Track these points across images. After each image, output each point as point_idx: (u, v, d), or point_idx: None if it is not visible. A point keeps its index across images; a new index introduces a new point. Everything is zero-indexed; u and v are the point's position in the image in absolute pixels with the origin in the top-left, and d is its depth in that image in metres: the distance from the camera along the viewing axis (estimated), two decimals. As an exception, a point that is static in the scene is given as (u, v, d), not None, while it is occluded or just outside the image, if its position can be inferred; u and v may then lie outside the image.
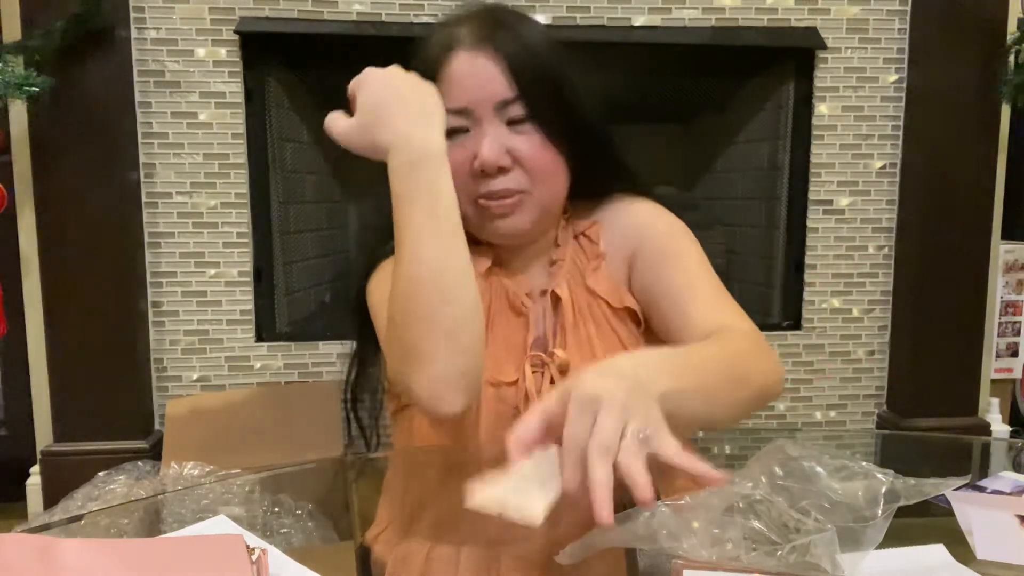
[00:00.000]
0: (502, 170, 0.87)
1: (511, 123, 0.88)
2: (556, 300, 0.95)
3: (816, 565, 0.59)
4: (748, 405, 0.81)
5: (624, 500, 0.56)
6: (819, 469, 0.67)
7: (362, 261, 1.00)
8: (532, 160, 0.88)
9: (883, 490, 0.65)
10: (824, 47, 2.05)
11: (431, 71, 0.87)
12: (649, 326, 0.97)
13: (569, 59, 0.92)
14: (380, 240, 0.96)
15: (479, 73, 0.87)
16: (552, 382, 0.90)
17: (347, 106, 0.87)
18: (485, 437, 0.89)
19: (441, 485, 0.93)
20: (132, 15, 1.87)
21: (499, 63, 0.86)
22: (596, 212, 0.99)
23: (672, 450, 0.57)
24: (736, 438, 1.27)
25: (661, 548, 0.59)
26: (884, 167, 2.12)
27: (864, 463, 0.69)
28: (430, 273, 0.78)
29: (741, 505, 0.63)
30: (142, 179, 1.92)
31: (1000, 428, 2.22)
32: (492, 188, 0.88)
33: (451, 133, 0.86)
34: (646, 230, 0.97)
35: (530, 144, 0.88)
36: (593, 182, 0.97)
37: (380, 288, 0.93)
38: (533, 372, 0.91)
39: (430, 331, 0.78)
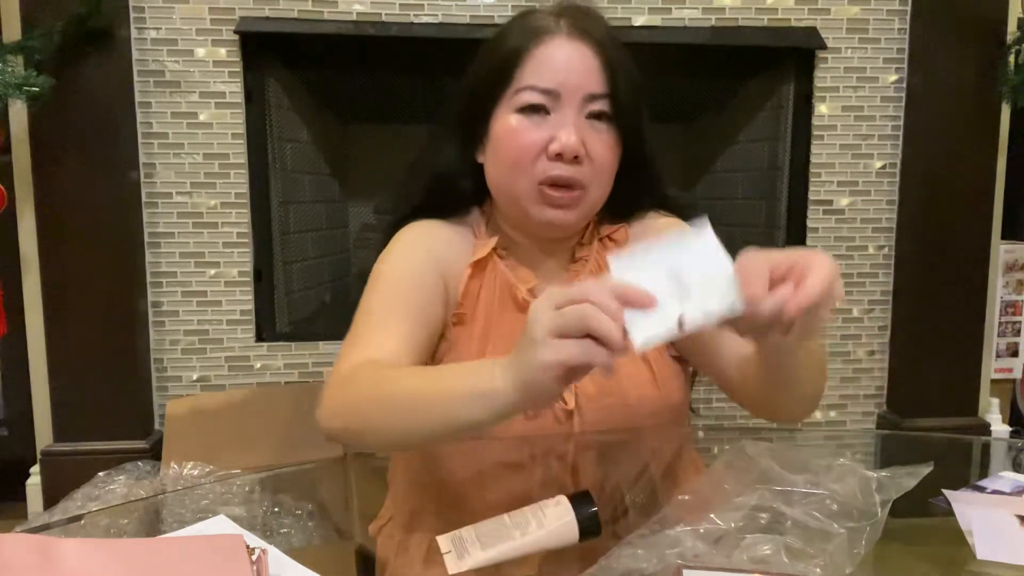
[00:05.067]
0: (576, 159, 0.87)
1: (590, 116, 0.88)
2: None
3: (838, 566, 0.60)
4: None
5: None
6: (795, 476, 0.68)
7: (378, 238, 1.00)
8: (601, 157, 0.88)
9: (874, 486, 0.66)
10: (824, 47, 2.05)
11: (519, 51, 0.88)
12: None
13: (641, 72, 0.93)
14: (398, 214, 0.97)
15: (576, 60, 0.87)
16: None
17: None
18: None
19: (443, 483, 0.93)
20: (132, 15, 1.87)
21: (596, 57, 0.87)
22: (622, 221, 1.00)
23: None
24: (736, 438, 1.27)
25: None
26: (884, 167, 2.12)
27: (844, 460, 0.69)
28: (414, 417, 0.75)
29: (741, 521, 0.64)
30: (142, 179, 1.92)
31: (1000, 428, 2.22)
32: (561, 174, 0.87)
33: (528, 110, 0.87)
34: None
35: (603, 142, 0.88)
36: (630, 196, 0.97)
37: (387, 258, 0.93)
38: None
39: (373, 428, 0.77)
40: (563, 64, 0.87)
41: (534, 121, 0.87)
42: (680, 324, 0.60)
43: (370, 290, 0.91)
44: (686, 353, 0.96)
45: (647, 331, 0.59)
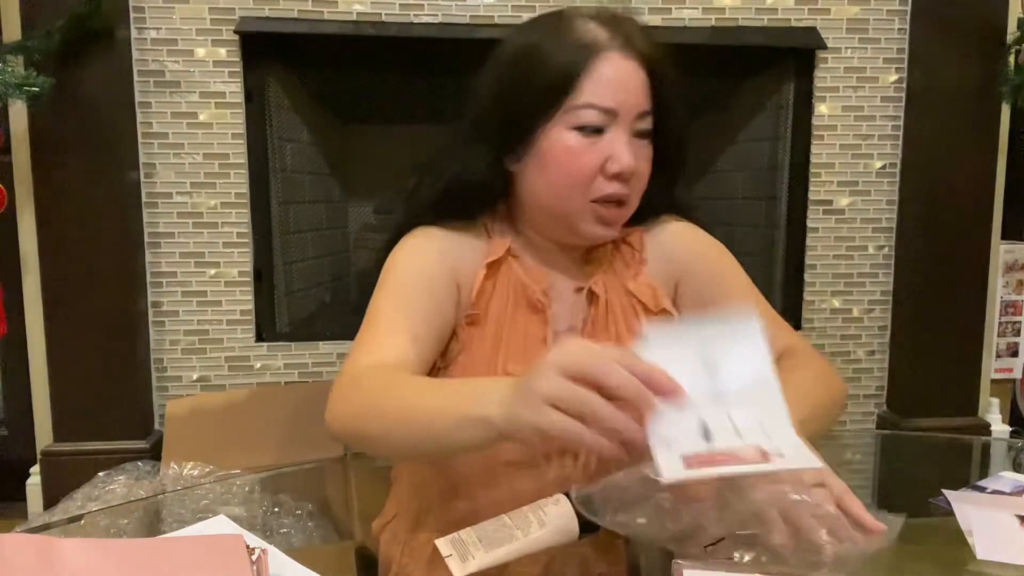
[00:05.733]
0: (630, 176, 0.89)
1: (636, 134, 0.89)
2: (591, 296, 0.95)
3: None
4: (837, 417, 0.93)
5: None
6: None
7: (380, 238, 1.00)
8: (645, 173, 0.91)
9: None
10: (824, 47, 2.05)
11: (576, 66, 0.87)
12: None
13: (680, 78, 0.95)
14: (418, 206, 0.97)
15: (632, 80, 0.88)
16: None
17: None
18: None
19: (451, 481, 0.93)
20: (132, 15, 1.87)
21: (646, 75, 0.89)
22: (637, 223, 1.00)
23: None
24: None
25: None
26: (884, 167, 2.12)
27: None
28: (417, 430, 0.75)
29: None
30: (142, 179, 1.92)
31: (1000, 428, 2.21)
32: (615, 192, 0.89)
33: (589, 130, 0.88)
34: (696, 252, 0.99)
35: (646, 158, 0.91)
36: (648, 202, 0.97)
37: (400, 258, 0.93)
38: None
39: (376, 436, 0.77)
40: (621, 83, 0.88)
41: (591, 139, 0.88)
42: (706, 434, 0.57)
43: (380, 289, 0.91)
44: None
45: (668, 444, 0.56)
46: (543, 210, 0.93)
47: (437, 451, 0.73)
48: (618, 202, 0.89)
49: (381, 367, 0.81)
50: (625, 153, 0.87)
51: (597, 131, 0.88)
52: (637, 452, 0.59)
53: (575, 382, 0.59)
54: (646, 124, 0.90)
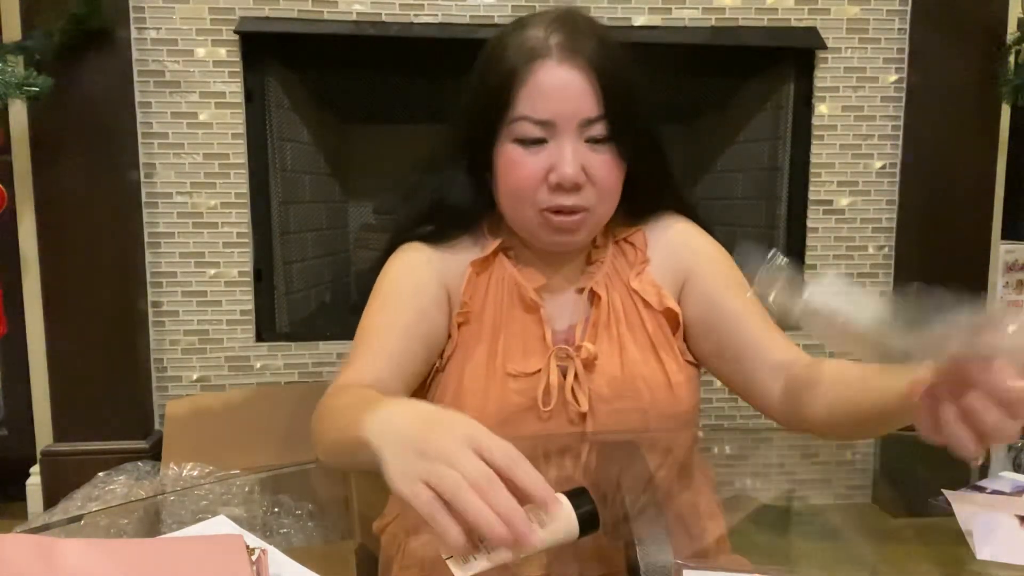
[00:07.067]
0: (576, 187, 0.87)
1: (589, 140, 0.87)
2: (593, 297, 0.95)
3: None
4: None
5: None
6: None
7: (385, 243, 1.00)
8: (604, 180, 0.88)
9: None
10: (824, 47, 2.05)
11: (513, 76, 0.86)
12: (689, 340, 0.98)
13: (641, 73, 0.91)
14: (405, 224, 0.97)
15: (568, 87, 0.86)
16: (576, 376, 0.90)
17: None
18: (501, 427, 0.89)
19: None
20: (132, 15, 1.87)
21: (588, 79, 0.86)
22: (638, 222, 1.00)
23: None
24: (736, 438, 1.27)
25: None
26: (884, 167, 2.12)
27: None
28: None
29: None
30: (142, 179, 1.92)
31: (1000, 428, 2.21)
32: (563, 203, 0.87)
33: (528, 142, 0.87)
34: (700, 254, 0.98)
35: (604, 164, 0.88)
36: (644, 198, 0.97)
37: (389, 273, 0.94)
38: (558, 364, 0.91)
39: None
40: (556, 93, 0.86)
41: (532, 151, 0.87)
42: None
43: (366, 308, 0.92)
44: (707, 356, 0.96)
45: None
46: (510, 220, 0.93)
47: (352, 465, 0.71)
48: (571, 211, 0.88)
49: (345, 388, 0.81)
50: (566, 163, 0.85)
51: (539, 142, 0.87)
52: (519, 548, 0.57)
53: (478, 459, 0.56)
54: (597, 131, 0.87)
